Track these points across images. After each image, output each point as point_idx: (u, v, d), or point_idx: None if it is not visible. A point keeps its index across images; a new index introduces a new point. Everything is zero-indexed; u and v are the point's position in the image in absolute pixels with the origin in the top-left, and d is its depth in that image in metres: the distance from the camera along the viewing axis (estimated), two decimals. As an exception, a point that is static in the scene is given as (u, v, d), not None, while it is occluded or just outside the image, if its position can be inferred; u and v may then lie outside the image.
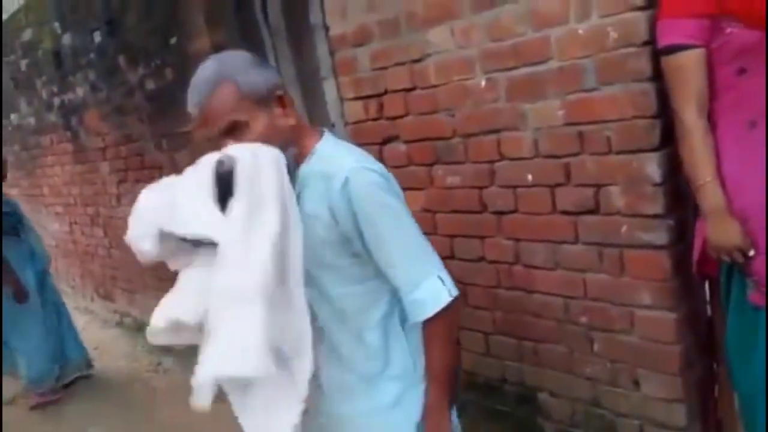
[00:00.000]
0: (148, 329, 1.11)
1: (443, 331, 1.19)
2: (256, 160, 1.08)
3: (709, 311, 1.84)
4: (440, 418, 1.21)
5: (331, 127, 2.61)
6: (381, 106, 2.34)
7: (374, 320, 1.21)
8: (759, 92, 1.46)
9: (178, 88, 3.38)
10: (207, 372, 1.04)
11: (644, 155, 1.67)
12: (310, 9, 2.60)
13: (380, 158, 2.28)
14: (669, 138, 1.63)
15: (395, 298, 1.22)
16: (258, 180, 1.06)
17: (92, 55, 4.16)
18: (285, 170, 1.12)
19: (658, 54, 1.56)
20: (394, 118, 2.30)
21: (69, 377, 3.86)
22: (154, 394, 3.51)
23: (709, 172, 1.49)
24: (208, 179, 1.08)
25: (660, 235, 1.70)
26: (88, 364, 4.00)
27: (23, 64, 5.23)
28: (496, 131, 2.00)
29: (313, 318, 1.17)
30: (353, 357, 1.22)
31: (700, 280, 1.78)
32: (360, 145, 1.54)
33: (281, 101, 1.17)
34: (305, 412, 1.15)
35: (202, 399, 1.04)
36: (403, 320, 1.23)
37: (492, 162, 2.04)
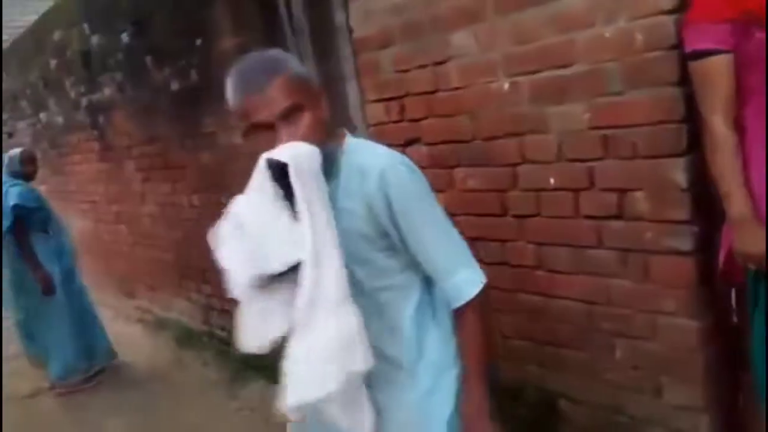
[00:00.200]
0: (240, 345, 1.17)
1: (479, 317, 1.23)
2: (301, 161, 1.09)
3: (735, 319, 1.81)
4: (483, 418, 1.24)
5: (353, 129, 2.62)
6: (403, 108, 2.34)
7: (408, 311, 1.24)
8: (789, 97, 1.44)
9: (203, 89, 3.43)
10: (318, 384, 1.09)
11: (670, 160, 1.65)
12: (334, 11, 2.61)
13: (402, 160, 2.29)
14: (696, 143, 1.61)
15: (426, 289, 1.26)
16: (308, 181, 1.09)
17: (119, 56, 4.24)
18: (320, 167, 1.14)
19: (685, 58, 1.54)
20: (416, 120, 2.31)
21: (95, 368, 3.93)
22: (174, 389, 3.55)
23: (736, 179, 1.47)
24: (270, 190, 1.10)
25: (685, 241, 1.68)
26: (113, 355, 4.08)
27: (53, 63, 5.34)
28: (519, 134, 1.99)
29: None
30: (389, 349, 1.24)
31: (725, 288, 1.75)
32: (383, 147, 1.55)
33: (322, 97, 1.20)
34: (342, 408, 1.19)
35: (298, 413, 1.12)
36: (433, 309, 1.27)
37: (514, 165, 2.04)
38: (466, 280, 1.21)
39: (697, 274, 1.69)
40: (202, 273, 3.98)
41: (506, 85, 1.98)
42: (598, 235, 1.87)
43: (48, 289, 3.69)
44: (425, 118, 2.27)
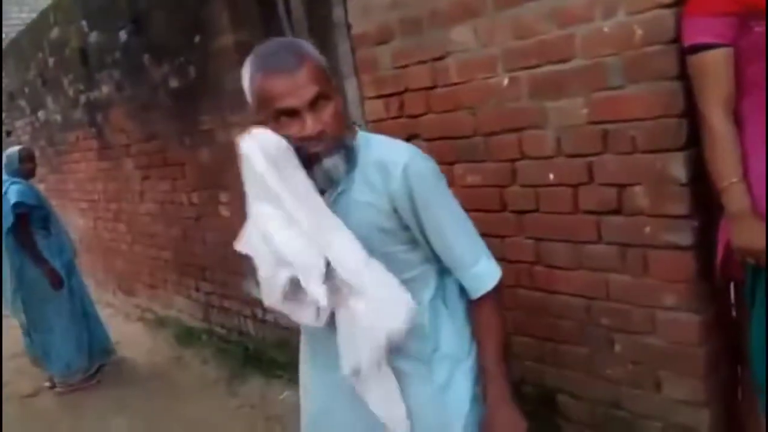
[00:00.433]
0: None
1: (497, 306, 1.26)
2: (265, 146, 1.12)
3: (734, 314, 1.81)
4: (507, 403, 1.24)
5: (352, 125, 2.61)
6: (402, 105, 2.34)
7: (424, 304, 1.25)
8: (789, 91, 1.43)
9: (202, 86, 3.43)
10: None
11: (670, 155, 1.65)
12: (332, 7, 2.61)
13: (401, 156, 2.28)
14: (695, 138, 1.61)
15: (441, 281, 1.27)
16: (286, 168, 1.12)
17: (118, 54, 4.23)
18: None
19: (683, 52, 1.54)
20: (415, 116, 2.30)
21: (95, 366, 3.93)
22: (174, 387, 3.56)
23: (734, 173, 1.47)
24: (294, 164, 1.12)
25: (684, 236, 1.68)
26: (111, 352, 4.08)
27: (51, 61, 5.33)
28: (518, 130, 1.99)
29: None
30: (406, 342, 1.23)
31: (725, 282, 1.75)
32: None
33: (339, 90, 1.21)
34: (360, 405, 1.22)
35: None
36: (446, 301, 1.28)
37: (513, 161, 2.03)
38: (486, 271, 1.23)
39: (697, 269, 1.69)
40: (201, 270, 3.98)
41: (505, 81, 1.98)
42: (597, 230, 1.87)
43: (57, 283, 3.69)
44: (424, 113, 2.27)
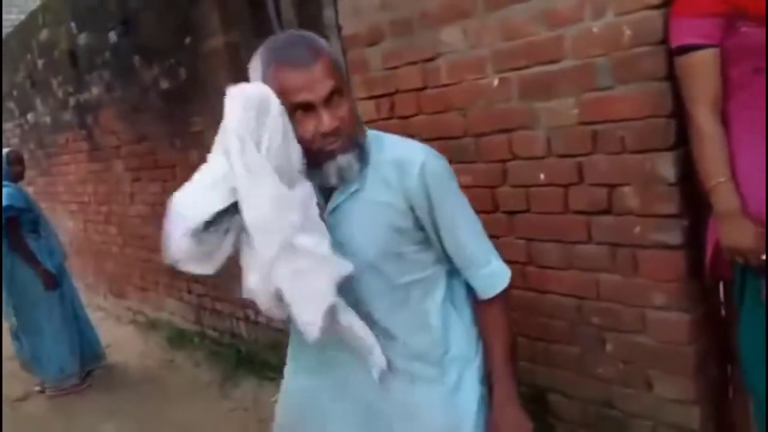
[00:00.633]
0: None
1: (505, 307, 1.26)
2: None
3: (723, 312, 1.83)
4: (514, 404, 1.24)
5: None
6: (393, 106, 2.34)
7: (435, 305, 1.24)
8: (775, 91, 1.44)
9: (192, 88, 3.41)
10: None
11: (659, 155, 1.66)
12: (322, 8, 2.61)
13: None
14: (684, 138, 1.62)
15: (450, 282, 1.27)
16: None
17: (107, 55, 4.21)
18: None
19: (671, 53, 1.55)
20: (406, 117, 2.30)
21: (85, 370, 3.90)
22: (166, 390, 3.54)
23: (722, 173, 1.47)
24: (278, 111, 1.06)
25: (674, 236, 1.69)
26: (102, 356, 4.05)
27: (40, 63, 5.30)
28: (509, 130, 1.99)
29: (370, 319, 1.18)
30: (420, 344, 1.23)
31: (714, 282, 1.76)
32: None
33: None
34: (368, 406, 1.22)
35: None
36: (454, 302, 1.28)
37: (504, 161, 2.04)
38: (498, 271, 1.24)
39: (687, 268, 1.70)
40: (193, 273, 3.96)
41: (495, 82, 1.98)
42: (587, 230, 1.88)
43: (51, 284, 3.67)
44: (415, 114, 2.27)
